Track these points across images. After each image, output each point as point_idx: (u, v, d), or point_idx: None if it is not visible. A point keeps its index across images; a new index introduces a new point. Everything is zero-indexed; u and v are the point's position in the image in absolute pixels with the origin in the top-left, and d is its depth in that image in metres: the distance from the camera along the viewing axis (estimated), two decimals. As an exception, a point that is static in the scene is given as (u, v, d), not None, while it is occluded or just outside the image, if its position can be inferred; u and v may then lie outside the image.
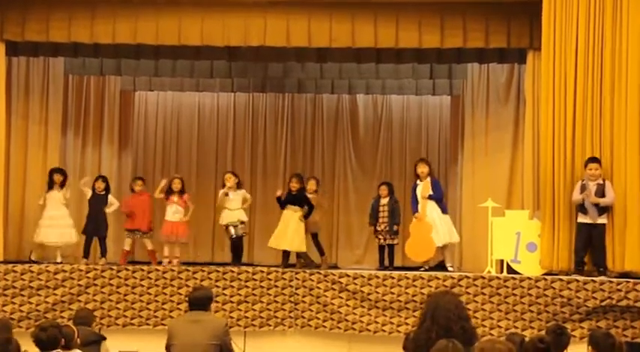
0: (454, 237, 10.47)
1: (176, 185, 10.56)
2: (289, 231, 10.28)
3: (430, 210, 10.30)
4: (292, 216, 10.33)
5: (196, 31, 10.32)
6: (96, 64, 11.58)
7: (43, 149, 11.16)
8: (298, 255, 10.43)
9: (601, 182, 9.16)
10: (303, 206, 10.40)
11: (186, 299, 6.74)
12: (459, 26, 10.25)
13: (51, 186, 10.48)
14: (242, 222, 10.54)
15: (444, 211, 10.42)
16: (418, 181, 10.48)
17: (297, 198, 10.44)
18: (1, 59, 10.46)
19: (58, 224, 10.39)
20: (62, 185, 10.50)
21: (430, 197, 10.31)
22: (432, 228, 10.22)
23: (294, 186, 10.50)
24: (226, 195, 10.50)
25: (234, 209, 10.52)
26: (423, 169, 10.47)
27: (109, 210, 10.59)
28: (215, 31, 10.32)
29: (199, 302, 6.39)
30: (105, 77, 12.20)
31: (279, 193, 10.63)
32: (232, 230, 10.47)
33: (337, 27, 10.28)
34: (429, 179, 10.42)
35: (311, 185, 10.76)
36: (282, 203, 10.49)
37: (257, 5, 10.28)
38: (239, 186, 10.69)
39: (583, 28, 9.42)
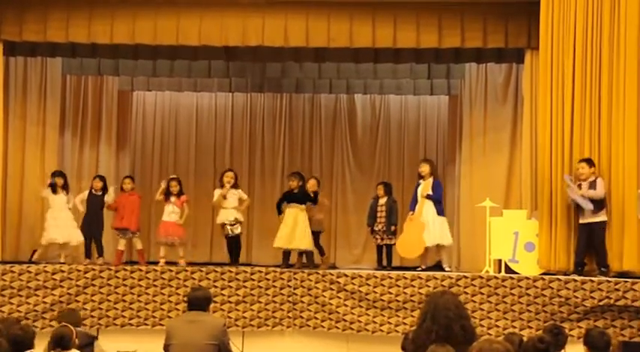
0: (446, 240, 10.42)
1: (174, 187, 10.49)
2: (297, 230, 10.16)
3: (426, 209, 10.32)
4: (297, 214, 10.23)
5: (194, 31, 10.32)
6: (94, 64, 11.58)
7: (40, 149, 11.16)
8: (302, 253, 10.33)
9: (592, 179, 9.17)
10: (305, 203, 10.33)
11: (185, 299, 6.73)
12: (456, 26, 10.26)
13: (55, 189, 10.37)
14: (238, 222, 10.44)
15: (440, 213, 10.39)
16: (421, 180, 10.51)
17: (297, 196, 10.37)
18: (-1, 59, 10.47)
19: (64, 224, 10.34)
20: (64, 187, 10.45)
21: (428, 196, 10.34)
22: (425, 227, 10.23)
23: (293, 184, 10.43)
24: (224, 197, 10.39)
25: (230, 207, 10.44)
26: (423, 169, 10.53)
27: (108, 197, 10.48)
28: (213, 31, 10.32)
29: (198, 302, 6.39)
30: (103, 77, 12.19)
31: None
32: (228, 228, 10.39)
33: (335, 27, 10.28)
34: (431, 179, 10.42)
35: (312, 185, 10.74)
36: (286, 201, 10.40)
37: (255, 5, 10.28)
38: (235, 185, 10.59)
39: (581, 28, 9.42)
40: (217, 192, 10.56)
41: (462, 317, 4.49)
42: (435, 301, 4.53)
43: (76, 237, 10.45)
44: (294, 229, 10.18)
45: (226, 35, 10.35)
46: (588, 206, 9.09)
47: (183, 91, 12.72)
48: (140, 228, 10.66)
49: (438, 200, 10.42)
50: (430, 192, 10.33)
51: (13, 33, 10.40)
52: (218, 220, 10.61)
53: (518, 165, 10.86)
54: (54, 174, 10.50)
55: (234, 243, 10.59)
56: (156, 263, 10.21)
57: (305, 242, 10.23)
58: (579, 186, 9.18)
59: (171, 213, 10.44)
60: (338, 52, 10.75)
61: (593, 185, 9.13)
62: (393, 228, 10.62)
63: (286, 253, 10.40)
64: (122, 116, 12.57)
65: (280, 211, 10.50)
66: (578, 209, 9.23)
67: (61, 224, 10.35)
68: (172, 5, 10.33)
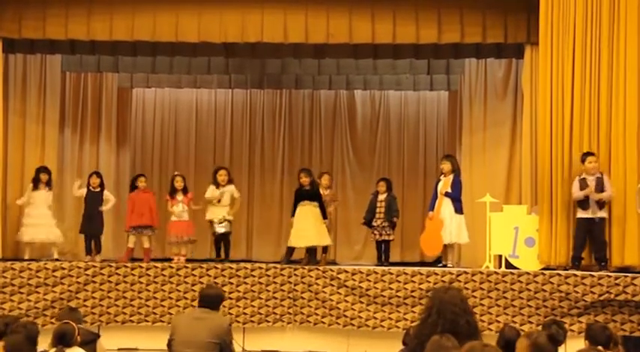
0: (462, 238, 10.25)
1: (178, 183, 10.35)
2: (313, 227, 9.95)
3: (444, 207, 10.15)
4: (311, 211, 10.00)
5: (193, 27, 10.31)
6: (93, 61, 11.60)
7: (40, 146, 11.16)
8: (308, 249, 10.12)
9: (599, 175, 9.16)
10: (317, 200, 10.07)
11: (185, 295, 6.68)
12: (456, 21, 10.25)
13: (37, 185, 10.36)
14: (226, 220, 10.23)
15: (458, 210, 10.16)
16: (442, 177, 10.35)
17: (310, 194, 10.11)
18: (-2, 56, 10.46)
19: (43, 222, 10.30)
20: (48, 184, 10.42)
21: (446, 194, 10.17)
22: (443, 225, 10.12)
23: (305, 181, 10.15)
24: (219, 201, 10.24)
25: (221, 205, 10.27)
26: (443, 166, 10.33)
27: (105, 207, 10.53)
28: (212, 27, 10.31)
29: (210, 299, 6.37)
30: (102, 74, 12.20)
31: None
32: (215, 227, 10.24)
33: (334, 23, 10.27)
34: (451, 176, 10.24)
35: (325, 180, 10.69)
36: (296, 199, 10.17)
37: (254, 1, 10.27)
38: (229, 181, 10.40)
39: (580, 23, 9.42)
40: (211, 188, 10.37)
41: (467, 312, 4.56)
42: (441, 296, 4.59)
43: (59, 235, 10.43)
44: (313, 226, 9.94)
45: (225, 31, 10.34)
46: (595, 208, 9.11)
47: (182, 88, 12.72)
48: (158, 226, 10.54)
49: (456, 198, 10.18)
50: (449, 190, 10.17)
51: (12, 30, 10.39)
52: (207, 216, 10.36)
53: (518, 161, 10.86)
54: (39, 170, 10.44)
55: (222, 241, 10.38)
56: (160, 260, 10.17)
57: (325, 238, 10.05)
58: (584, 181, 9.15)
59: (182, 212, 10.28)
60: (337, 47, 10.74)
61: (600, 181, 9.11)
62: (390, 223, 10.54)
63: (290, 249, 10.18)
64: (122, 113, 12.58)
65: (296, 203, 10.18)
66: (579, 203, 9.23)
67: (39, 222, 10.30)
68: (171, 2, 10.32)
